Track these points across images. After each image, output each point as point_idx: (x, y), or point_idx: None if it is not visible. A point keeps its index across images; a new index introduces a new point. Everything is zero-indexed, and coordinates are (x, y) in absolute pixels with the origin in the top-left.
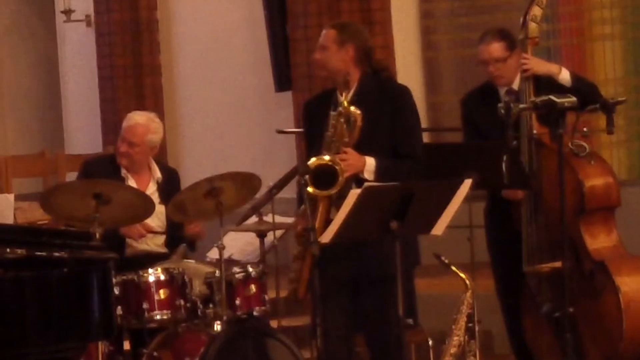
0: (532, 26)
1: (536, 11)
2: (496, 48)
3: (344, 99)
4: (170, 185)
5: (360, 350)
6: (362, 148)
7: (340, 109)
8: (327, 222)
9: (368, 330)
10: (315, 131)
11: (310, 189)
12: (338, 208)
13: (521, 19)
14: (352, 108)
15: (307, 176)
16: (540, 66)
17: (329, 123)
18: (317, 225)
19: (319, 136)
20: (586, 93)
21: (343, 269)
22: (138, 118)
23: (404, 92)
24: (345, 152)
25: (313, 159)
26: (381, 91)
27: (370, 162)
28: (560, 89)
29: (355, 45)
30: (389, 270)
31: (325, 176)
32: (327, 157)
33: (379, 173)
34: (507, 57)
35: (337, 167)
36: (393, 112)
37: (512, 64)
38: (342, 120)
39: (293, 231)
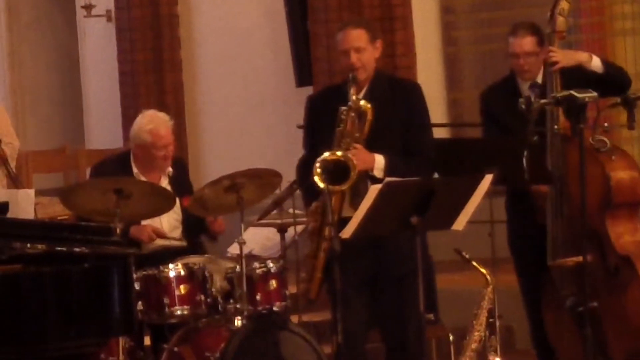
0: (560, 20)
1: (564, 5)
2: (528, 42)
3: (353, 93)
4: (180, 175)
5: (376, 346)
6: (374, 145)
7: (350, 103)
8: (340, 219)
9: (385, 326)
10: (321, 127)
11: (321, 185)
12: (354, 205)
13: (549, 13)
14: (363, 102)
15: (318, 171)
16: (568, 59)
17: (338, 118)
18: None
19: (326, 132)
20: (618, 78)
21: (361, 266)
22: (158, 121)
23: (416, 88)
24: (355, 148)
25: (325, 154)
26: (392, 88)
27: (380, 159)
28: (590, 78)
29: (380, 41)
30: (406, 267)
31: (336, 172)
32: (339, 153)
33: (389, 171)
34: (538, 52)
35: (349, 163)
36: (405, 108)
37: (540, 59)
38: (352, 114)
39: (305, 230)
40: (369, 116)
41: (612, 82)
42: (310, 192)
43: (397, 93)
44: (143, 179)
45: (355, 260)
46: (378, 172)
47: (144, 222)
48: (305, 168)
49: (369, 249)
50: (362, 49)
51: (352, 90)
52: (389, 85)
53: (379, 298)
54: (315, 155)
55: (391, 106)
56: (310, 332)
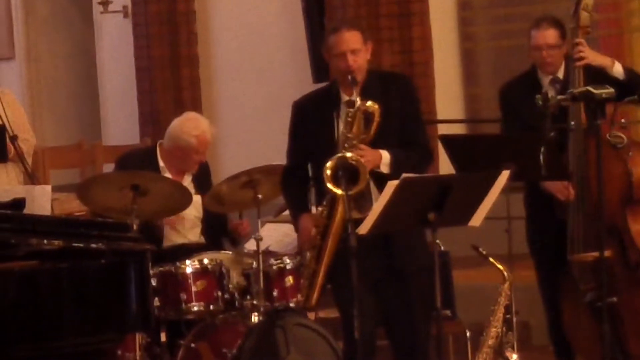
0: (584, 15)
1: (588, 0)
2: (551, 35)
3: (356, 95)
4: (203, 175)
5: (381, 344)
6: (377, 142)
7: (358, 105)
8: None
9: (393, 324)
10: (311, 132)
11: (338, 191)
12: (358, 207)
13: (573, 8)
14: (369, 103)
15: (329, 176)
16: (595, 57)
17: (336, 122)
18: (335, 224)
19: (317, 137)
20: (638, 86)
21: (370, 263)
22: (203, 127)
23: (407, 80)
24: (360, 149)
25: (337, 156)
26: (383, 83)
27: (385, 155)
28: (611, 83)
29: (371, 42)
30: (415, 265)
31: (346, 175)
32: (348, 155)
33: (395, 165)
34: (560, 46)
35: (358, 164)
36: (399, 101)
37: (561, 53)
38: (360, 116)
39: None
40: (377, 117)
41: (631, 89)
42: (297, 202)
43: (388, 87)
44: (168, 174)
45: (365, 258)
46: (384, 168)
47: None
48: (290, 178)
49: (378, 246)
50: (357, 50)
51: (355, 93)
52: (380, 81)
53: (388, 295)
54: (300, 163)
55: (385, 101)
56: (327, 328)
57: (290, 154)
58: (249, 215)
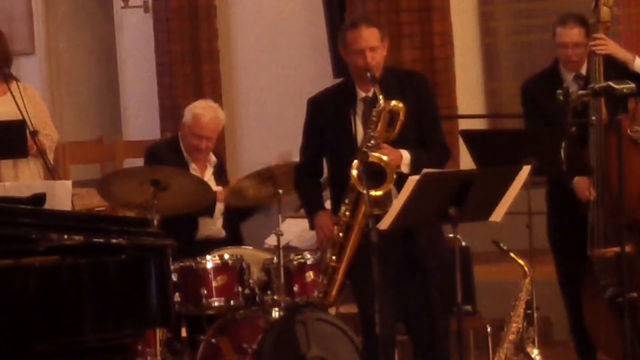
0: (605, 10)
1: None
2: (577, 33)
3: (378, 93)
4: (222, 167)
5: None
6: (395, 141)
7: (382, 104)
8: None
9: (412, 320)
10: (328, 129)
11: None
12: (378, 205)
13: (593, 3)
14: (394, 102)
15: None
16: (616, 49)
17: (353, 119)
18: (358, 222)
19: (334, 134)
20: None
21: (390, 259)
22: (208, 112)
23: (424, 79)
24: (382, 148)
25: (363, 155)
26: (400, 80)
27: (406, 154)
28: (632, 78)
29: (387, 39)
30: (435, 261)
31: (370, 174)
32: (376, 154)
33: (415, 165)
34: (585, 44)
35: (385, 165)
36: (416, 101)
37: (586, 51)
38: (386, 115)
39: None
40: (401, 116)
41: None
42: (312, 199)
43: (405, 85)
44: (193, 165)
45: (385, 253)
46: (405, 168)
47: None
48: (304, 175)
49: (399, 241)
50: (376, 47)
51: (377, 91)
52: (396, 79)
53: (407, 291)
54: (315, 160)
55: (402, 100)
56: (347, 323)
57: (305, 151)
58: (270, 210)
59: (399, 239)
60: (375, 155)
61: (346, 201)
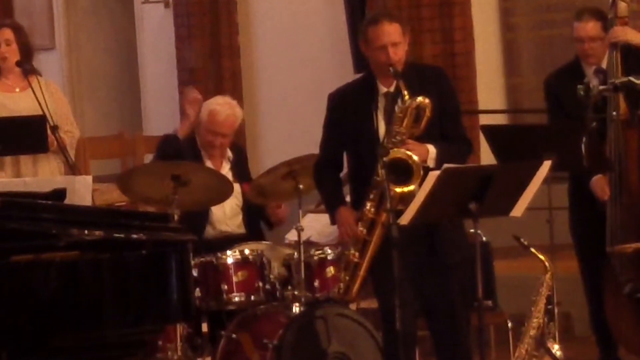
0: (622, 5)
1: None
2: (593, 27)
3: (403, 88)
4: (240, 162)
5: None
6: (420, 136)
7: (408, 100)
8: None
9: (434, 315)
10: (348, 124)
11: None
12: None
13: None
14: (420, 98)
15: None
16: (634, 35)
17: (375, 114)
18: (383, 218)
19: (356, 129)
20: None
21: (411, 254)
22: (225, 109)
23: (445, 74)
24: (407, 143)
25: (393, 151)
26: (420, 76)
27: (432, 149)
28: None
29: (409, 33)
30: (457, 256)
31: (395, 170)
32: (402, 151)
33: (440, 159)
34: (603, 37)
35: (409, 160)
36: (437, 95)
37: (605, 45)
38: (412, 112)
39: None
40: (428, 113)
41: None
42: (333, 195)
43: (426, 81)
44: (207, 160)
45: (407, 248)
46: (431, 162)
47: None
48: (324, 170)
49: (420, 236)
50: (398, 43)
51: (402, 86)
52: (418, 74)
53: (429, 286)
54: (335, 155)
55: (424, 95)
56: (368, 319)
57: (325, 146)
58: (290, 205)
59: (422, 234)
60: (401, 151)
61: (371, 197)
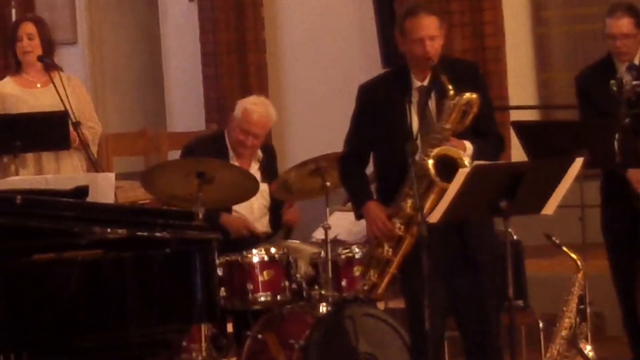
0: None
1: None
2: (626, 23)
3: (447, 83)
4: (270, 162)
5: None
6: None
7: (455, 96)
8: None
9: (464, 315)
10: (381, 118)
11: (439, 181)
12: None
13: None
14: (468, 94)
15: (432, 168)
16: None
17: (408, 108)
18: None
19: (388, 123)
20: None
21: (441, 253)
22: (259, 109)
23: (477, 69)
24: (451, 141)
25: (437, 150)
26: (453, 70)
27: (469, 146)
28: None
29: (445, 27)
30: (487, 254)
31: (440, 166)
32: (454, 150)
33: (476, 156)
34: (635, 34)
35: (455, 155)
36: (472, 90)
37: (637, 41)
38: (461, 108)
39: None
40: (475, 109)
41: None
42: (361, 189)
43: (459, 76)
44: (235, 162)
45: (436, 247)
46: (467, 159)
47: (235, 208)
48: (351, 165)
49: (450, 235)
50: (435, 36)
51: (445, 81)
52: (450, 69)
53: (459, 285)
54: (363, 150)
55: (459, 89)
56: (396, 318)
57: (353, 140)
58: (317, 204)
59: (451, 232)
60: (453, 150)
61: (410, 193)
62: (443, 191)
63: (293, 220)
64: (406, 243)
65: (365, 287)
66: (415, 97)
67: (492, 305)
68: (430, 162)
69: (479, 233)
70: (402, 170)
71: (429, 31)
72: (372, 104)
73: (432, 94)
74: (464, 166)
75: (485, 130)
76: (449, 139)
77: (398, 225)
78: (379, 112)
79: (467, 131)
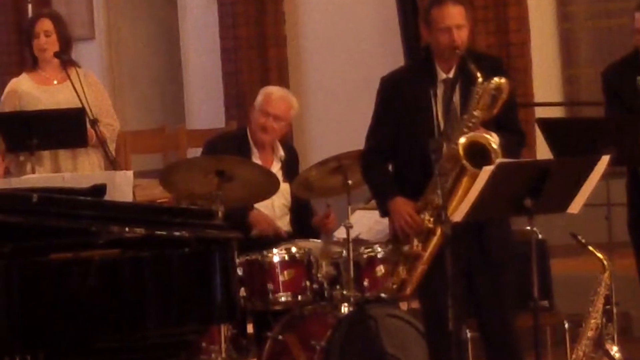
0: None
1: None
2: None
3: (475, 70)
4: (291, 162)
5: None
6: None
7: (483, 81)
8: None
9: (485, 315)
10: (408, 111)
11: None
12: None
13: None
14: (497, 79)
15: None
16: None
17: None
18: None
19: (411, 115)
20: None
21: (463, 252)
22: (280, 92)
23: (501, 62)
24: (479, 129)
25: (467, 137)
26: (478, 63)
27: (495, 138)
28: None
29: (472, 18)
30: (508, 253)
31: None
32: (481, 135)
33: (502, 149)
34: None
35: (485, 143)
36: None
37: None
38: (489, 94)
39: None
40: (505, 95)
41: None
42: (385, 185)
43: (483, 69)
44: (257, 157)
45: (458, 246)
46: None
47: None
48: (374, 160)
49: (471, 233)
50: (462, 26)
51: (473, 68)
52: (475, 62)
53: (480, 285)
54: (386, 144)
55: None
56: (419, 319)
57: (374, 135)
58: (339, 202)
59: (472, 230)
60: (480, 135)
61: (437, 184)
62: (474, 179)
63: (329, 229)
64: (437, 236)
65: (394, 285)
66: (440, 90)
67: (512, 306)
68: (461, 149)
69: (497, 231)
70: (425, 167)
71: (456, 20)
72: (395, 96)
73: (457, 87)
74: (493, 151)
75: (507, 125)
76: (478, 127)
77: (427, 218)
78: (402, 105)
79: (490, 125)
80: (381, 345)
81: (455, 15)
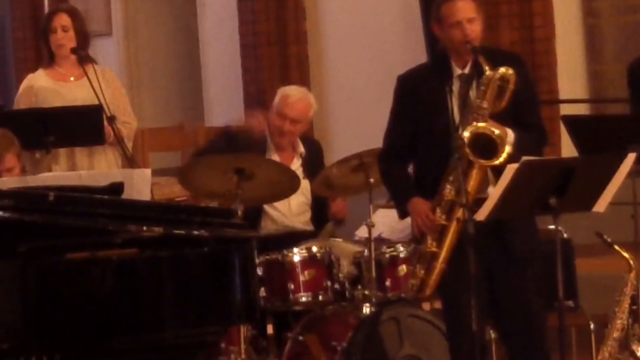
0: None
1: None
2: None
3: (484, 63)
4: (314, 158)
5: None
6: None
7: (489, 71)
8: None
9: (507, 316)
10: (425, 109)
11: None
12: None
13: None
14: (503, 69)
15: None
16: None
17: (449, 97)
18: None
19: (429, 112)
20: None
21: (483, 251)
22: (297, 93)
23: (521, 59)
24: (489, 122)
25: (473, 127)
26: (495, 60)
27: (510, 133)
28: None
29: (483, 11)
30: (531, 252)
31: (477, 146)
32: (482, 125)
33: (519, 145)
34: None
35: (495, 137)
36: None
37: None
38: (496, 84)
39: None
40: (512, 85)
41: None
42: (403, 185)
43: (498, 63)
44: (275, 155)
45: (481, 245)
46: (508, 147)
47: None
48: (392, 159)
49: (493, 232)
50: (473, 19)
51: (482, 60)
52: (492, 59)
53: (503, 285)
54: (404, 143)
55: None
56: (441, 320)
57: (392, 134)
58: (361, 200)
59: (494, 229)
60: (481, 125)
61: (450, 179)
62: (483, 173)
63: (341, 213)
64: (450, 232)
65: (414, 287)
66: (456, 86)
67: (537, 306)
68: (466, 141)
69: (520, 229)
70: (442, 165)
71: (467, 13)
72: (412, 94)
73: (474, 82)
74: (498, 139)
75: (527, 121)
76: (487, 119)
77: (439, 214)
78: (419, 103)
79: (508, 120)
80: (403, 346)
81: (465, 9)
